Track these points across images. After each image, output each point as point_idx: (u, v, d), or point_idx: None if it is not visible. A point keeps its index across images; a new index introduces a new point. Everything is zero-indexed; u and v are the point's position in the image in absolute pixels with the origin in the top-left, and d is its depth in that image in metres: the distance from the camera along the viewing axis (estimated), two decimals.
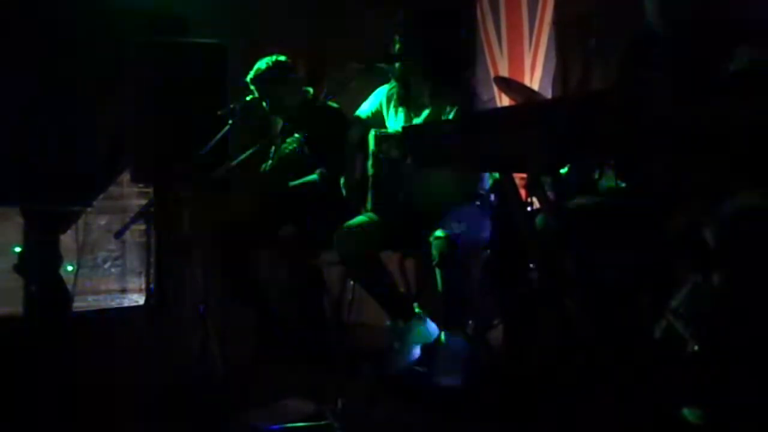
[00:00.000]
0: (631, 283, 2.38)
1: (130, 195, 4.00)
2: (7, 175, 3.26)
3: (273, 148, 3.87)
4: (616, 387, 2.23)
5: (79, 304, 3.57)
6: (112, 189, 3.85)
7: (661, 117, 1.95)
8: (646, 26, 2.61)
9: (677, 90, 2.20)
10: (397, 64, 3.29)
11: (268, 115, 3.91)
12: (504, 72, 4.52)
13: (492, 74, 4.49)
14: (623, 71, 2.80)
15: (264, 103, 3.77)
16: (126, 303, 3.95)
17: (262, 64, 3.78)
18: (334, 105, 3.78)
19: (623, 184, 2.65)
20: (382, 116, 3.47)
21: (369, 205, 3.38)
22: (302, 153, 3.69)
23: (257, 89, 3.73)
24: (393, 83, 3.43)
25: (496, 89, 4.34)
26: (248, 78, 3.76)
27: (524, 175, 3.16)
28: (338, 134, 3.57)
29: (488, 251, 3.36)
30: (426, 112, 3.31)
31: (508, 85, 3.92)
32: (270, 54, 3.82)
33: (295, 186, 3.72)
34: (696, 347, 2.40)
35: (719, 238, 2.12)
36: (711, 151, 1.99)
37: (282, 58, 3.81)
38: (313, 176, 3.71)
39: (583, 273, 2.39)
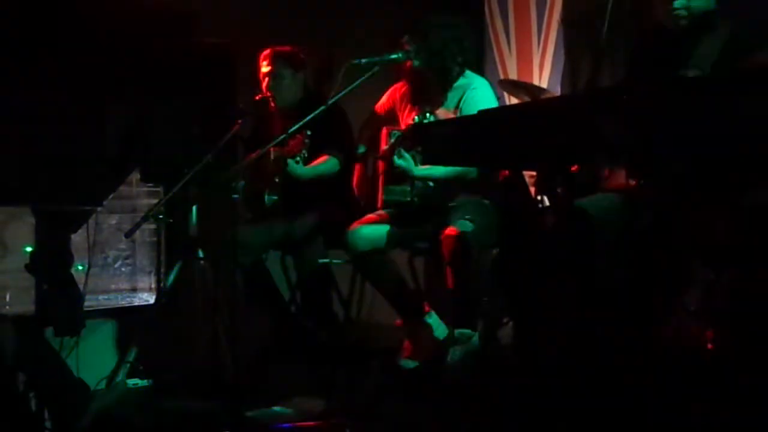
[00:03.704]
0: (643, 281, 2.37)
1: (140, 194, 4.01)
2: (17, 176, 3.27)
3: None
4: (628, 385, 2.23)
5: (90, 303, 3.59)
6: (122, 188, 3.85)
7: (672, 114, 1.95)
8: (655, 23, 2.61)
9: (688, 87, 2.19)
10: (416, 62, 3.28)
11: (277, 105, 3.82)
12: (513, 71, 4.51)
13: (501, 73, 4.49)
14: (633, 69, 2.80)
15: (270, 84, 3.67)
16: (136, 302, 3.96)
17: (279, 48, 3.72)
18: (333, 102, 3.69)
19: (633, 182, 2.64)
20: (396, 114, 3.47)
21: (379, 203, 3.39)
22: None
23: (271, 64, 3.65)
24: (405, 81, 3.43)
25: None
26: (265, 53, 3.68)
27: (534, 173, 3.16)
28: (340, 131, 3.54)
29: (498, 249, 3.36)
30: (439, 110, 3.31)
31: (514, 86, 3.92)
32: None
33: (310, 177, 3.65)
34: (709, 345, 2.39)
35: (732, 235, 2.12)
36: (724, 147, 1.99)
37: None
38: (333, 161, 3.59)
39: (595, 270, 2.39)
